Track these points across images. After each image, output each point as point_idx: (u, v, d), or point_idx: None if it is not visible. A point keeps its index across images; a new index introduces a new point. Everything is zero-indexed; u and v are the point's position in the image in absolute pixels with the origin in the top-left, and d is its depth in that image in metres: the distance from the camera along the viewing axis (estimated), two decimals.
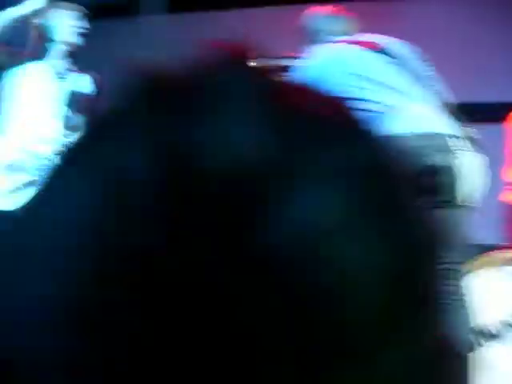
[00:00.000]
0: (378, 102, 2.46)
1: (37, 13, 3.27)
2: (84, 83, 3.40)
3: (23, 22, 3.32)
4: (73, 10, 3.42)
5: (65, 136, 3.19)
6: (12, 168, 3.13)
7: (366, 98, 2.48)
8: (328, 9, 3.03)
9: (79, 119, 3.33)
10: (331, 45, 2.80)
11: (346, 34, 2.87)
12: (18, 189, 3.08)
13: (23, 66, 3.31)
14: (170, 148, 0.29)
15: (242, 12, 5.45)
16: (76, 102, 3.32)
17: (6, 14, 3.22)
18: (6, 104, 3.29)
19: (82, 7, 3.46)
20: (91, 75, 3.47)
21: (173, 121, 0.31)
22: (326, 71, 2.63)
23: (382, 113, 2.41)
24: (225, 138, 0.29)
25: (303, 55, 2.91)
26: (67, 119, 3.26)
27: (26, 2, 3.26)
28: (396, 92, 2.53)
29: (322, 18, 2.97)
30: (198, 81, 0.33)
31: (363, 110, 2.38)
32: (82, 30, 3.39)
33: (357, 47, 2.72)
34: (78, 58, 3.45)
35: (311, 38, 2.95)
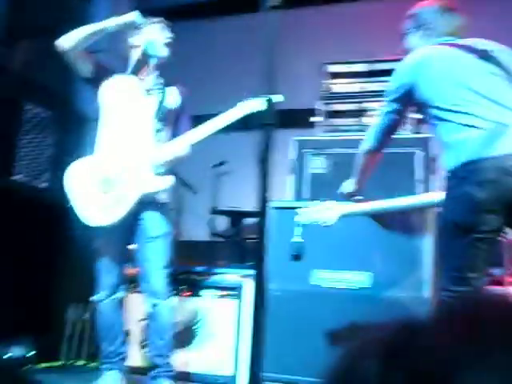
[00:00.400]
0: (485, 119, 2.32)
1: (127, 26, 3.36)
2: (171, 96, 3.49)
3: (111, 34, 3.41)
4: (161, 22, 3.51)
5: (155, 148, 3.29)
6: (107, 183, 3.25)
7: (474, 112, 2.35)
8: (441, 2, 2.71)
9: (168, 132, 3.45)
10: (438, 47, 2.59)
11: (454, 33, 2.64)
12: (114, 204, 3.21)
13: (113, 79, 3.43)
14: None
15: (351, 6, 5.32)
16: (164, 115, 3.41)
17: (96, 25, 3.34)
18: (100, 119, 3.44)
19: (165, 19, 3.54)
20: (178, 87, 3.55)
21: None
22: (430, 77, 2.48)
23: (490, 130, 2.29)
24: None
25: (405, 56, 2.70)
26: (157, 132, 3.36)
27: (117, 17, 3.37)
28: (504, 108, 2.36)
29: (433, 13, 2.69)
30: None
31: (469, 125, 2.33)
32: (169, 41, 3.49)
33: (466, 54, 2.50)
34: (168, 68, 3.55)
35: (417, 34, 2.73)
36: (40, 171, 4.69)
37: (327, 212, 2.96)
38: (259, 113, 2.33)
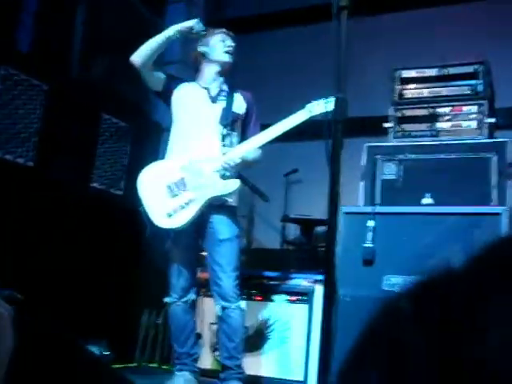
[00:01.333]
0: None
1: (188, 33, 3.46)
2: (236, 102, 3.53)
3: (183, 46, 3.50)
4: (222, 32, 3.58)
5: (223, 154, 3.33)
6: (174, 187, 3.31)
7: None
8: None
9: (235, 137, 3.49)
10: None
11: None
12: (182, 207, 3.27)
13: (181, 87, 3.53)
14: (453, 365, 0.31)
15: None
16: (230, 121, 3.45)
17: (159, 36, 3.45)
18: (172, 127, 3.53)
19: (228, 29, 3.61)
20: (242, 93, 3.60)
21: (452, 335, 0.33)
22: None
23: None
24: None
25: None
26: (223, 138, 3.41)
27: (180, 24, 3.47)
28: None
29: None
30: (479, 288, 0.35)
31: None
32: (230, 49, 3.54)
33: None
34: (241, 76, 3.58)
35: None
36: (116, 179, 4.83)
37: None
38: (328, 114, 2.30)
